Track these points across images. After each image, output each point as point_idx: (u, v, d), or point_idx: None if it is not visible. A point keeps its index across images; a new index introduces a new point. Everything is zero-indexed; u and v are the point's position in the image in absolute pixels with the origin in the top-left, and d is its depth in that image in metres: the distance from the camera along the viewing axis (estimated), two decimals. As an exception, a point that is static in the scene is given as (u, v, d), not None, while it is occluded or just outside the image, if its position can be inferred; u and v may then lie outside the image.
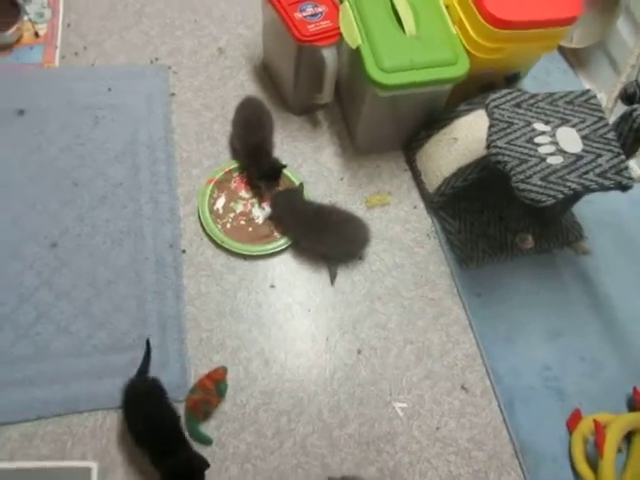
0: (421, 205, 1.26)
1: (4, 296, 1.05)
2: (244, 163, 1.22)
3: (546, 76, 1.48)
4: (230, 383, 1.02)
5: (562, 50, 1.54)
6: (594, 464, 0.98)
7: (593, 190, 0.93)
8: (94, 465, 0.92)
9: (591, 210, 1.28)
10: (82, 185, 1.17)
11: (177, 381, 1.01)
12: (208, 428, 0.99)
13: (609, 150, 0.95)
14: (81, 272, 1.09)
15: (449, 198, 1.20)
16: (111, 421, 0.98)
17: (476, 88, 1.20)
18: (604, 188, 0.93)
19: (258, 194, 1.21)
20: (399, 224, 1.23)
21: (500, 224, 1.21)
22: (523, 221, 1.22)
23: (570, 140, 0.95)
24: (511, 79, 1.26)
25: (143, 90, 1.31)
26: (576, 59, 1.54)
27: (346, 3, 1.15)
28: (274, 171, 1.18)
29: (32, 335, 1.03)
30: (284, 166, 1.19)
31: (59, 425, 0.97)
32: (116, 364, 1.02)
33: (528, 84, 1.37)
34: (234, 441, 0.98)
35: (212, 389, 0.99)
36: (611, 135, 0.97)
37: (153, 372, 1.01)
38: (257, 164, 1.18)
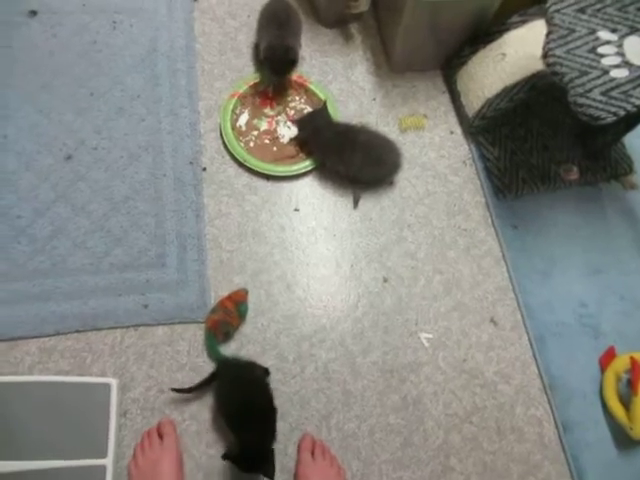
0: (458, 130, 1.17)
1: (19, 209, 1.02)
2: (265, 59, 1.10)
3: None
4: (251, 306, 0.99)
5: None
6: (626, 403, 0.94)
7: (660, 109, 0.84)
8: (114, 381, 0.91)
9: (644, 143, 1.18)
10: (98, 95, 1.11)
11: (197, 301, 0.98)
12: (228, 350, 0.96)
13: (682, 65, 0.85)
14: (97, 187, 1.04)
15: (490, 122, 1.10)
16: (129, 339, 0.96)
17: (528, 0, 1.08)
18: (673, 107, 0.83)
19: (278, 99, 1.13)
20: (434, 149, 1.15)
21: (544, 153, 1.12)
22: (569, 151, 1.12)
23: (639, 51, 0.85)
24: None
25: (163, -8, 1.21)
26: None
27: None
28: (277, 58, 1.07)
29: (48, 250, 1.00)
30: (294, 60, 1.08)
31: (78, 341, 0.95)
32: (134, 282, 0.99)
33: None
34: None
35: (233, 310, 0.96)
36: (686, 49, 0.86)
37: (172, 291, 0.98)
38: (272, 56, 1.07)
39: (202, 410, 0.92)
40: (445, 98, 1.20)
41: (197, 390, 0.92)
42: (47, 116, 1.08)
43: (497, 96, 1.07)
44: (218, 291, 1.00)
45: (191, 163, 1.08)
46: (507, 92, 1.05)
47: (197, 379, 0.93)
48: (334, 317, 1.01)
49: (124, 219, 1.03)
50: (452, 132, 1.17)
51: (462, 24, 1.09)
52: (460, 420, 0.95)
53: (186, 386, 0.92)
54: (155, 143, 1.08)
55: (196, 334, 0.97)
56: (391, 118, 1.16)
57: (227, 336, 0.97)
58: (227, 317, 0.96)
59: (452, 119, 1.18)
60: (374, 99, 1.18)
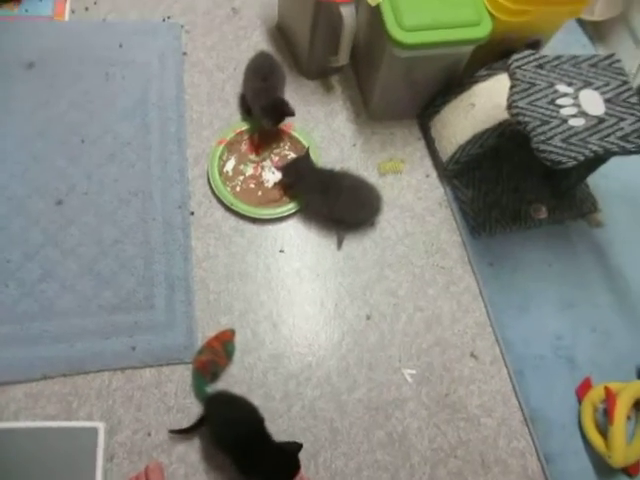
0: (434, 174, 1.24)
1: (8, 253, 1.03)
2: (252, 109, 1.17)
3: (565, 48, 1.44)
4: (238, 346, 1.01)
5: (583, 23, 1.50)
6: (603, 432, 0.97)
7: (614, 153, 0.91)
8: (101, 425, 0.91)
9: (606, 183, 1.25)
10: (90, 142, 1.15)
11: (184, 342, 1.00)
12: (216, 389, 0.97)
13: (632, 114, 0.93)
14: (87, 230, 1.07)
15: (463, 166, 1.17)
16: (117, 382, 0.97)
17: (496, 54, 1.17)
18: (625, 151, 0.91)
19: (264, 147, 1.18)
20: (411, 192, 1.21)
21: (514, 194, 1.19)
22: (538, 192, 1.20)
23: (593, 103, 0.93)
24: (532, 46, 1.22)
25: (155, 48, 1.28)
26: (596, 32, 1.51)
27: (366, -40, 1.11)
28: (278, 111, 1.13)
29: (37, 293, 1.01)
30: (291, 112, 1.14)
31: (65, 385, 0.96)
32: (122, 324, 1.00)
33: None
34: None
35: (220, 350, 0.98)
36: (634, 99, 0.95)
37: (159, 332, 1.00)
38: (264, 102, 1.13)
39: (190, 452, 0.92)
40: (421, 144, 1.27)
41: (196, 430, 0.92)
42: (40, 162, 1.11)
43: (468, 142, 1.14)
44: (205, 332, 1.01)
45: (180, 207, 1.11)
46: (477, 139, 1.12)
47: (185, 421, 0.93)
48: (320, 355, 1.03)
49: (113, 262, 1.05)
50: (428, 175, 1.24)
51: (435, 77, 1.18)
52: (445, 454, 0.97)
53: (175, 428, 0.92)
54: (145, 188, 1.12)
55: (184, 375, 0.98)
56: (370, 163, 1.23)
57: (215, 376, 0.98)
58: (214, 357, 0.97)
59: (428, 163, 1.25)
60: (354, 145, 1.25)
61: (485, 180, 1.20)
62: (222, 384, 0.98)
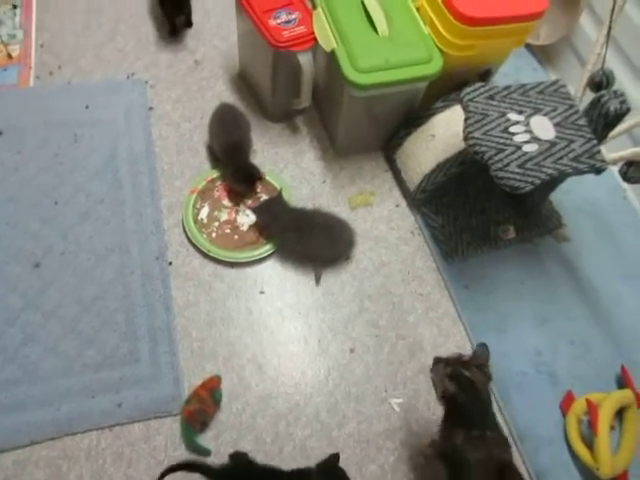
0: (403, 203, 1.28)
1: (-12, 320, 1.04)
2: (222, 164, 1.22)
3: (516, 74, 1.52)
4: (224, 391, 1.02)
5: (530, 48, 1.58)
6: (590, 443, 0.99)
7: (569, 174, 0.96)
8: (91, 486, 0.90)
9: (569, 199, 1.31)
10: (63, 203, 1.16)
11: (171, 393, 1.00)
12: (206, 439, 0.98)
13: (581, 136, 0.98)
14: (67, 290, 1.08)
15: (430, 194, 1.21)
16: (105, 440, 0.96)
17: (451, 86, 1.23)
18: (579, 172, 0.95)
19: (237, 197, 1.21)
20: (383, 223, 1.25)
21: (482, 216, 1.23)
22: (504, 212, 1.24)
23: (543, 128, 0.98)
24: (483, 76, 1.29)
25: (121, 105, 1.31)
26: (544, 55, 1.59)
27: (319, 8, 1.17)
28: (250, 178, 1.19)
29: (20, 358, 1.01)
30: (261, 176, 1.20)
31: (53, 449, 0.95)
32: (108, 381, 1.01)
33: (500, 82, 1.38)
34: (232, 449, 0.97)
35: (207, 398, 0.98)
36: (582, 121, 1.00)
37: (146, 386, 1.00)
38: (234, 163, 1.19)
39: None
40: (388, 175, 1.32)
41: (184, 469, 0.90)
42: (14, 227, 1.13)
43: (433, 171, 1.18)
44: (191, 380, 1.02)
45: (157, 258, 1.13)
46: (441, 168, 1.17)
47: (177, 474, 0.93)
48: (307, 393, 1.04)
49: (95, 319, 1.06)
50: (398, 205, 1.28)
51: (394, 112, 1.23)
52: (439, 481, 0.98)
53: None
54: (121, 243, 1.14)
55: (172, 427, 0.98)
56: (341, 198, 1.26)
57: (204, 425, 0.98)
58: (202, 406, 0.97)
59: (397, 193, 1.29)
60: (324, 182, 1.29)
61: (453, 205, 1.24)
62: (211, 432, 0.99)
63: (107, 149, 1.24)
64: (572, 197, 1.31)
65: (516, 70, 1.53)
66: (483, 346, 0.88)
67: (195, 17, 1.48)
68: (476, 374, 0.82)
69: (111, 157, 1.23)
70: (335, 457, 0.89)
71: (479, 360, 0.85)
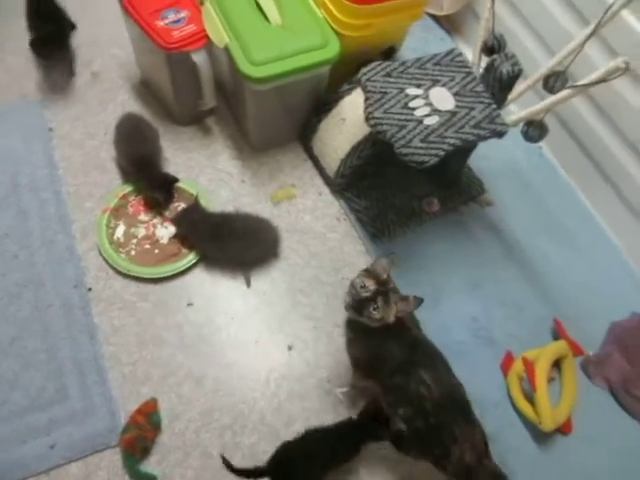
0: (326, 191, 1.26)
1: None
2: (135, 179, 1.17)
3: (425, 46, 1.51)
4: (164, 412, 0.98)
5: (437, 19, 1.58)
6: (532, 400, 1.01)
7: (471, 142, 0.96)
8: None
9: (489, 165, 1.32)
10: (-37, 244, 1.09)
11: (107, 425, 0.96)
12: (150, 465, 0.94)
13: (480, 102, 0.99)
14: (-19, 335, 1.01)
15: (350, 178, 1.20)
16: (45, 484, 0.92)
17: (355, 67, 1.20)
18: (481, 138, 0.96)
19: (157, 208, 1.17)
20: (308, 213, 1.23)
21: (404, 194, 1.23)
22: (426, 186, 1.24)
23: (443, 99, 0.98)
24: (387, 53, 1.28)
25: (16, 130, 1.24)
26: (451, 25, 1.59)
27: (207, 4, 1.13)
28: (166, 184, 1.15)
29: (-62, 414, 0.95)
30: (176, 180, 1.16)
31: (-11, 503, 0.90)
32: (37, 424, 0.96)
33: (408, 56, 1.37)
34: (180, 470, 0.95)
35: (145, 423, 0.95)
36: (480, 88, 1.01)
37: (79, 421, 0.95)
38: (147, 177, 1.15)
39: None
40: (308, 164, 1.29)
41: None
42: None
43: (348, 155, 1.17)
44: (128, 407, 0.98)
45: (75, 286, 1.08)
46: (355, 150, 1.16)
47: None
48: (250, 399, 1.02)
49: (15, 362, 1.00)
50: (321, 193, 1.26)
51: (302, 100, 1.21)
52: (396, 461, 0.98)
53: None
54: (34, 276, 1.07)
55: (113, 459, 0.94)
56: (262, 195, 1.24)
57: (145, 451, 0.95)
58: (141, 432, 0.94)
59: (318, 182, 1.27)
60: (243, 181, 1.25)
61: (374, 187, 1.23)
62: (155, 457, 0.95)
63: (7, 178, 1.17)
64: (491, 162, 1.32)
65: (425, 42, 1.52)
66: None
67: (87, 26, 1.40)
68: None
69: (12, 187, 1.16)
70: (374, 403, 0.90)
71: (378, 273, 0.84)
